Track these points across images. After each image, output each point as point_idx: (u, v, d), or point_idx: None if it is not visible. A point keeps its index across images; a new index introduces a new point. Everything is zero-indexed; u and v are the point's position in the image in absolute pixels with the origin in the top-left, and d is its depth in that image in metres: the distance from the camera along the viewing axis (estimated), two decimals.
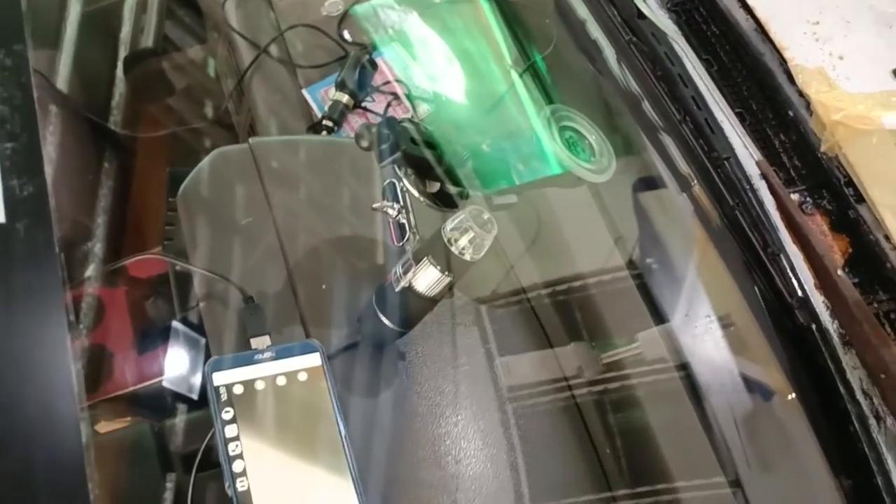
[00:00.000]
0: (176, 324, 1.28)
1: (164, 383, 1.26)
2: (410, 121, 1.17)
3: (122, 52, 1.65)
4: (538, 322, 1.10)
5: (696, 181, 1.03)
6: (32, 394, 0.56)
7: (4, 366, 0.57)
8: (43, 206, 0.60)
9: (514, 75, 1.33)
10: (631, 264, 1.11)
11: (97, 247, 1.38)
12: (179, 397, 1.22)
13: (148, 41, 1.66)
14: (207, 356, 0.86)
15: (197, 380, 1.24)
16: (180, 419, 1.14)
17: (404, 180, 0.98)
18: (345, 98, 1.37)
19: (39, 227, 0.60)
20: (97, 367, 1.28)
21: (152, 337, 1.34)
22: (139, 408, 1.29)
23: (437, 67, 1.41)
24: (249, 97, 1.44)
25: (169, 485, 1.02)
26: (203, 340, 1.27)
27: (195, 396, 1.22)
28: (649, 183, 1.14)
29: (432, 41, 1.44)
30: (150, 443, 1.06)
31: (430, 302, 0.89)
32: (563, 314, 1.12)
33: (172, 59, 1.68)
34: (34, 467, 0.53)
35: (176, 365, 1.26)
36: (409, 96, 1.41)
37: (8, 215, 0.61)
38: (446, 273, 0.85)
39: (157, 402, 1.25)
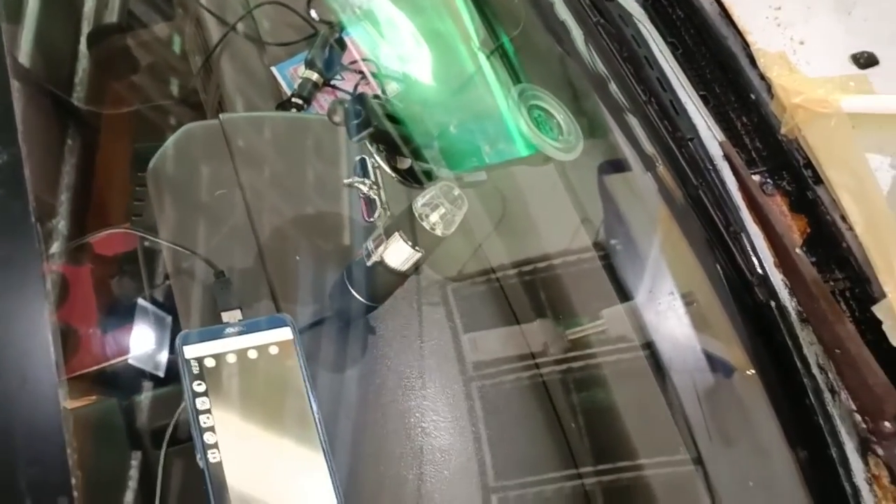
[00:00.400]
0: (142, 301, 1.28)
1: (131, 361, 1.26)
2: (377, 97, 1.18)
3: (86, 28, 1.62)
4: (506, 300, 1.11)
5: (660, 161, 1.05)
6: (10, 363, 0.56)
7: None
8: (18, 175, 0.60)
9: (482, 56, 1.33)
10: (597, 243, 1.13)
11: (61, 224, 1.36)
12: (145, 375, 1.22)
13: (112, 16, 1.63)
14: (174, 334, 0.86)
15: (163, 357, 1.23)
16: (146, 396, 1.13)
17: (376, 156, 0.99)
18: (314, 76, 1.37)
19: (15, 196, 0.59)
20: (62, 345, 1.26)
21: (118, 315, 1.33)
22: (105, 386, 1.28)
23: (406, 47, 1.41)
24: (217, 74, 1.43)
25: (134, 462, 1.02)
26: (169, 318, 1.26)
27: (161, 374, 1.21)
28: (615, 163, 1.15)
29: (400, 21, 1.44)
30: (118, 419, 1.06)
31: (401, 277, 0.90)
32: (529, 292, 1.13)
33: (138, 35, 1.65)
34: (13, 434, 0.53)
35: (142, 342, 1.26)
36: (377, 75, 1.41)
37: None
38: (417, 248, 0.86)
39: (123, 381, 1.25)
